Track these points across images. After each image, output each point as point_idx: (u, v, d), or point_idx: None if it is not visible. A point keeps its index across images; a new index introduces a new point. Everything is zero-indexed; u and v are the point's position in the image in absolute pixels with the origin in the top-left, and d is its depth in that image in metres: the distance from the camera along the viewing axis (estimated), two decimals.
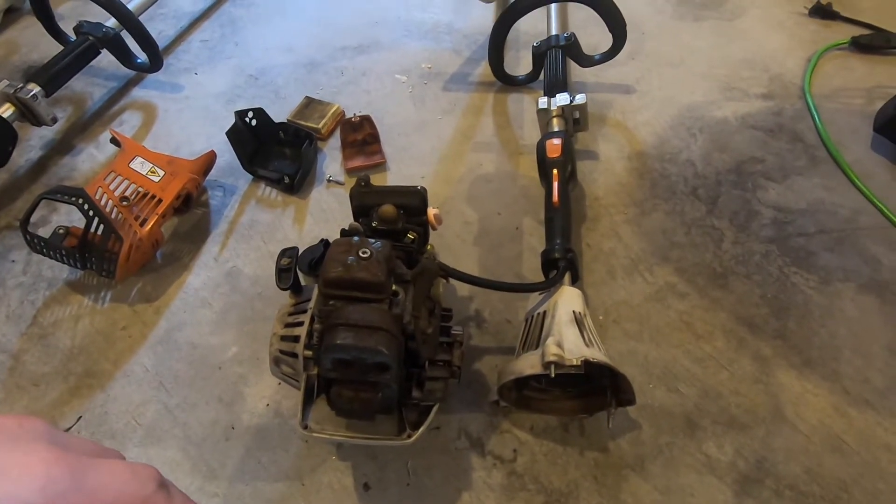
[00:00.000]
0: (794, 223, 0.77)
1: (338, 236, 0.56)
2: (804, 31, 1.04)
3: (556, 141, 0.74)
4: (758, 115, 0.92)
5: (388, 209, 0.53)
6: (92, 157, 0.90)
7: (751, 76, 0.98)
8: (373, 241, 0.48)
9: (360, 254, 0.46)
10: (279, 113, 0.91)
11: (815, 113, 0.90)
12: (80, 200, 0.65)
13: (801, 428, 0.60)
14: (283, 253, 0.54)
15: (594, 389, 0.59)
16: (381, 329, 0.42)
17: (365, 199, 0.56)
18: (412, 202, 0.56)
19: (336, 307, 0.45)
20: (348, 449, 0.59)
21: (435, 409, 0.50)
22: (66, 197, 0.65)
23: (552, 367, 0.49)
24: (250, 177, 0.86)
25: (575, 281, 0.65)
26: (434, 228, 0.57)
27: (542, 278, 0.66)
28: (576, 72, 0.99)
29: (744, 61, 1.00)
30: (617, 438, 0.60)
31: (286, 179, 0.82)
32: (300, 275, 0.59)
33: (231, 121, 0.82)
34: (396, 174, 0.86)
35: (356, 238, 0.48)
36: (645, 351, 0.66)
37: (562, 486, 0.57)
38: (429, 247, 0.58)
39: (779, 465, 0.57)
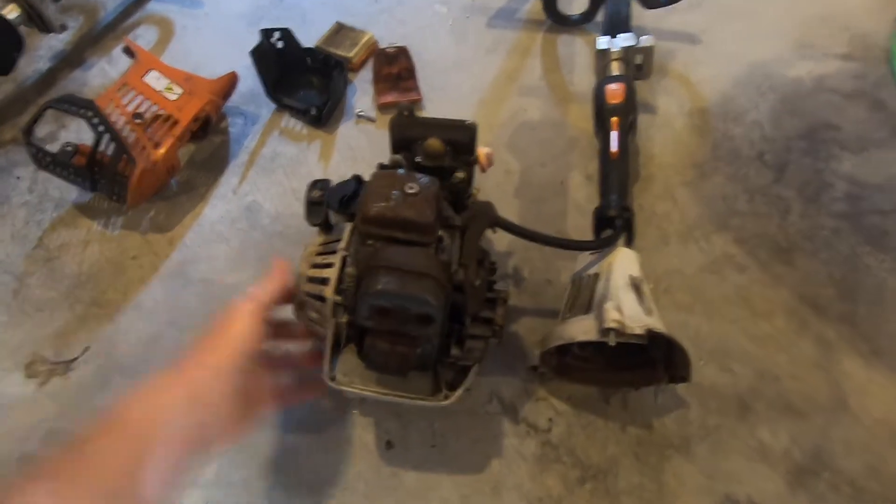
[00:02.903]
0: (870, 199, 0.70)
1: (353, 177, 0.49)
2: None
3: (618, 85, 0.66)
4: (835, 78, 0.82)
5: (434, 143, 0.47)
6: (104, 72, 0.83)
7: (829, 34, 0.88)
8: (420, 176, 0.42)
9: (407, 189, 0.40)
10: (306, 39, 0.82)
11: None
12: (90, 113, 0.59)
13: (865, 420, 0.55)
14: (314, 185, 0.48)
15: (643, 362, 0.54)
16: (429, 276, 0.37)
17: (408, 131, 0.49)
18: (461, 138, 0.49)
19: (376, 248, 0.39)
20: (371, 404, 0.55)
21: (474, 370, 0.45)
22: (73, 108, 0.59)
23: (612, 334, 0.44)
24: (273, 105, 0.79)
25: (630, 243, 0.58)
26: (483, 170, 0.51)
27: (587, 238, 0.60)
28: (634, 15, 0.89)
29: (822, 17, 0.90)
30: (662, 416, 0.55)
31: (313, 111, 0.75)
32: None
33: (253, 43, 0.74)
34: (432, 114, 0.78)
35: (401, 171, 0.42)
36: (697, 324, 0.60)
37: (600, 462, 0.52)
38: (474, 190, 0.52)
39: (837, 458, 0.53)
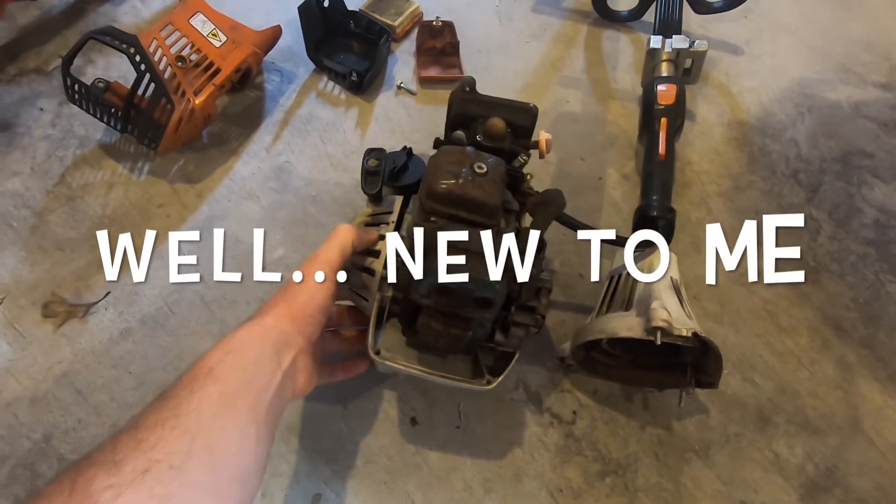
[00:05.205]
0: None
1: (404, 149, 0.48)
2: None
3: (669, 87, 0.65)
4: (873, 105, 0.83)
5: (497, 123, 0.46)
6: (136, 10, 0.80)
7: (870, 61, 0.88)
8: (487, 156, 0.41)
9: (476, 168, 0.39)
10: (349, 1, 0.80)
11: None
12: (132, 50, 0.56)
13: (878, 443, 0.56)
14: (370, 153, 0.47)
15: (670, 364, 0.54)
16: None
17: (468, 108, 0.48)
18: (522, 120, 0.48)
19: (440, 226, 0.38)
20: (399, 381, 0.54)
21: (516, 356, 0.45)
22: (116, 42, 0.56)
23: (658, 333, 0.44)
24: (312, 66, 0.76)
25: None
26: (542, 157, 0.50)
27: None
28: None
29: (865, 43, 0.90)
30: (682, 419, 0.55)
31: (354, 76, 0.73)
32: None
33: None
34: None
35: (470, 148, 0.40)
36: (723, 334, 0.61)
37: (620, 458, 0.53)
38: (528, 176, 0.51)
39: (850, 477, 0.54)
